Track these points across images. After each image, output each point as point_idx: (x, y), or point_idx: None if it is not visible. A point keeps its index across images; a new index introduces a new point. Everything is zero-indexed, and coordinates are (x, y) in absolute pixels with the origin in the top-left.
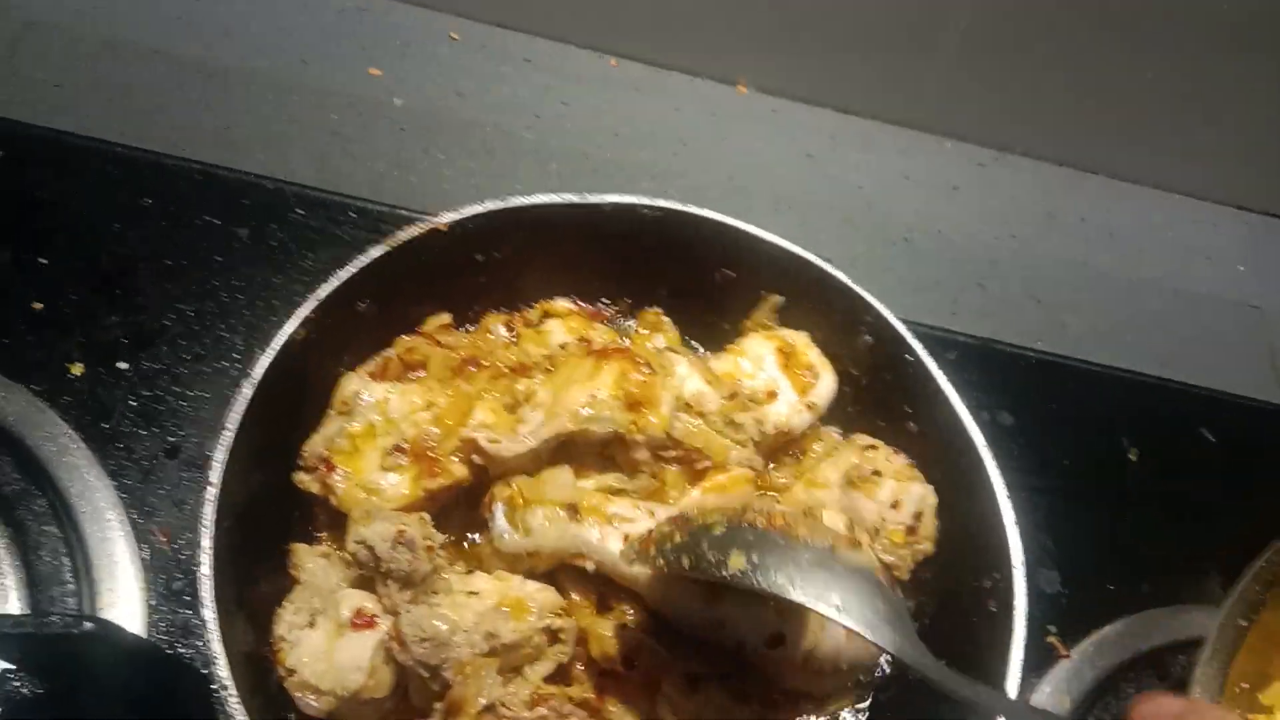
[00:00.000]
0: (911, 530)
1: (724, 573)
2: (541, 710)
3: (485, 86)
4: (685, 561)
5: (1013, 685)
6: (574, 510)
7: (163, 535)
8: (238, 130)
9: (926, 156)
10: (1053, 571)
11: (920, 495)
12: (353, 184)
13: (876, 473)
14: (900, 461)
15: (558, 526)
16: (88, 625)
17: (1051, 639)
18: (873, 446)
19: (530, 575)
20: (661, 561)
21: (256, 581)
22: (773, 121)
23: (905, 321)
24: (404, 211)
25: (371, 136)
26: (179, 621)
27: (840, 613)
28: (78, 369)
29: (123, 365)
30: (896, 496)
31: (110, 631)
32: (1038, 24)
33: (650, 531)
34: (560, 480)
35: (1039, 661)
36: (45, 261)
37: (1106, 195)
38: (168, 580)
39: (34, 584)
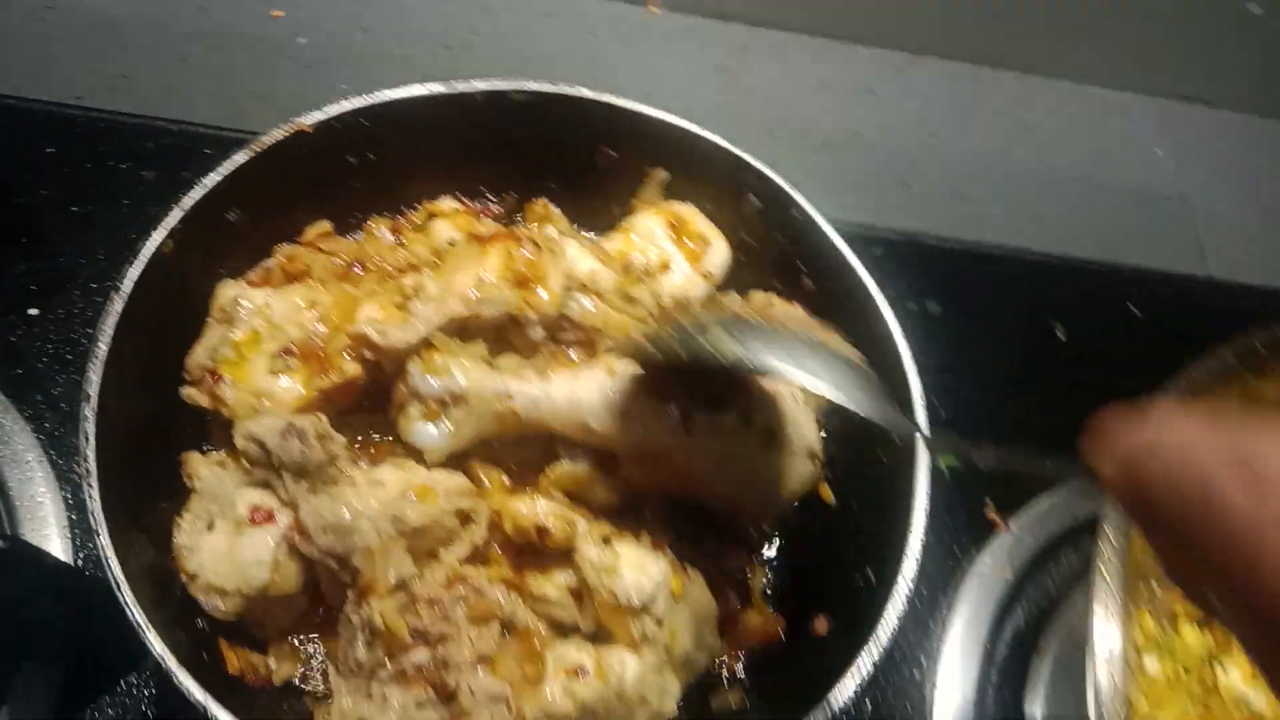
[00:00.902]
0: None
1: (723, 360)
2: (459, 589)
3: (391, 19)
4: (683, 351)
5: (920, 513)
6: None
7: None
8: (140, 78)
9: (841, 63)
10: (988, 449)
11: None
12: (259, 121)
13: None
14: (796, 311)
15: (479, 373)
16: (1, 544)
17: (991, 514)
18: (769, 303)
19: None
20: (659, 352)
21: (158, 499)
22: (685, 39)
23: (835, 223)
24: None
25: (276, 76)
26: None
27: (838, 391)
28: None
29: (33, 311)
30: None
31: (26, 549)
32: None
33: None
34: (472, 350)
35: (978, 535)
36: None
37: (1021, 90)
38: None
39: None
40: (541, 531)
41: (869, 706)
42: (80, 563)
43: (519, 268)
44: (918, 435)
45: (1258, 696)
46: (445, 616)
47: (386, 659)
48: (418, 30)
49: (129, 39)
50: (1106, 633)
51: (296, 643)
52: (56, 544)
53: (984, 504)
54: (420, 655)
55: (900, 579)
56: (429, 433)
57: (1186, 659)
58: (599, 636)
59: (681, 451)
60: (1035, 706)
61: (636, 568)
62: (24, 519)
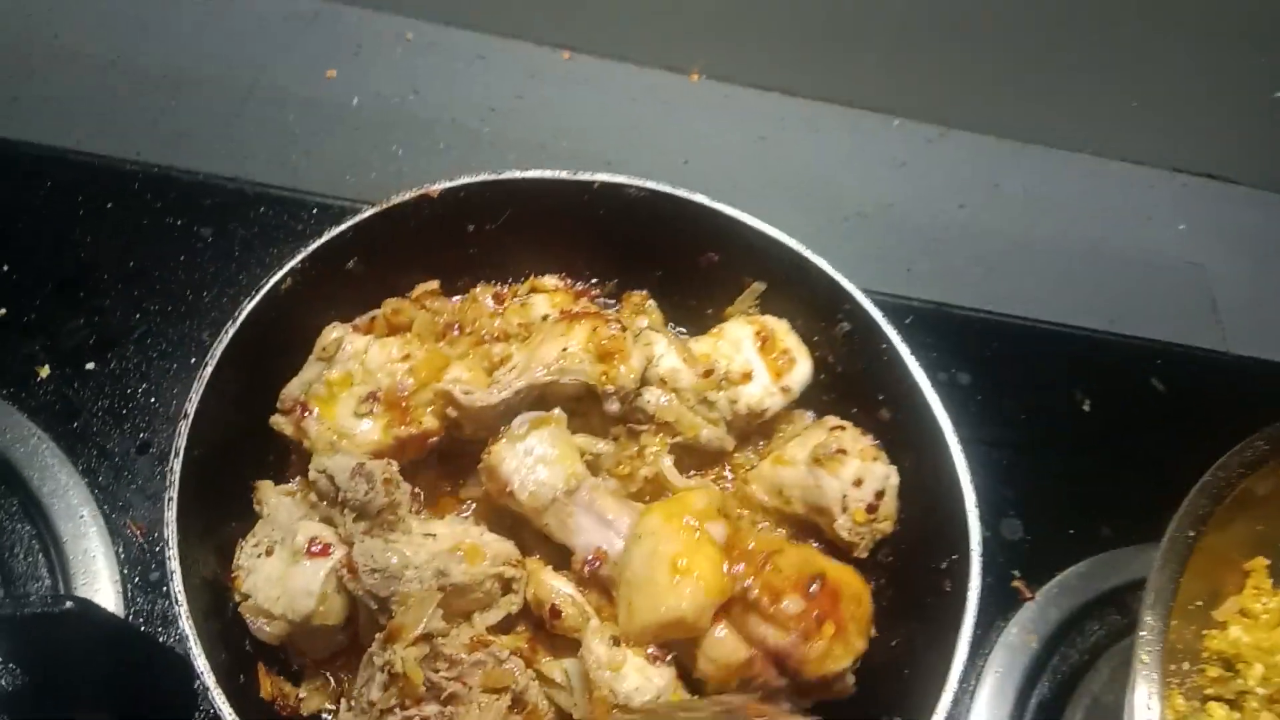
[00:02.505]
0: (872, 509)
1: None
2: (479, 655)
3: (440, 84)
4: None
5: (959, 660)
6: None
7: (137, 529)
8: (196, 135)
9: (874, 135)
10: (1015, 520)
11: (883, 474)
12: (312, 182)
13: (842, 451)
14: (866, 442)
15: None
16: (68, 604)
17: (1016, 583)
18: (840, 427)
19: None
20: None
21: (228, 519)
22: (724, 107)
23: (867, 292)
24: (365, 204)
25: (329, 136)
26: (156, 611)
27: None
28: (44, 371)
29: (90, 365)
30: (860, 475)
31: (89, 610)
32: (973, 2)
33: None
34: None
35: (1005, 605)
36: (6, 268)
37: (1047, 164)
38: (144, 572)
39: (9, 581)
40: (554, 611)
41: None
42: (131, 618)
43: (602, 342)
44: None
45: None
46: (460, 679)
47: (398, 705)
48: (464, 94)
49: (187, 96)
50: (1147, 715)
51: (330, 679)
52: (109, 598)
53: (1011, 575)
54: (429, 709)
55: None
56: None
57: None
58: None
59: None
60: None
61: (640, 671)
62: (76, 572)
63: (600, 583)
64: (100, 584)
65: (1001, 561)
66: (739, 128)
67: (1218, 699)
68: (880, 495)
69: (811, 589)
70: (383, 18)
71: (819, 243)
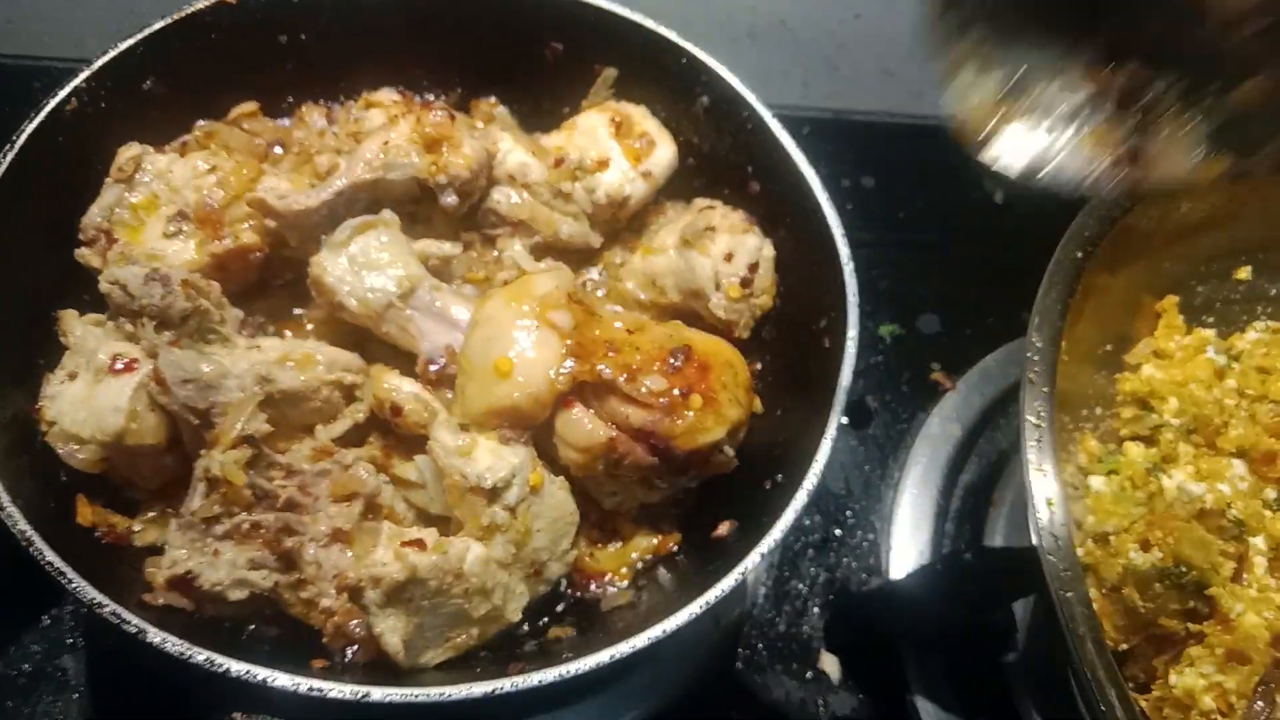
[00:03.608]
0: (746, 282)
1: None
2: (324, 463)
3: None
4: None
5: (836, 412)
6: None
7: None
8: None
9: None
10: (932, 315)
11: (755, 246)
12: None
13: (710, 228)
14: (736, 217)
15: None
16: None
17: (935, 375)
18: (710, 206)
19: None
20: None
21: (38, 359)
22: None
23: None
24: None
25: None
26: None
27: None
28: None
29: None
30: (730, 249)
31: None
32: None
33: None
34: None
35: (925, 399)
36: None
37: None
38: None
39: None
40: (396, 410)
41: (823, 574)
42: None
43: (428, 130)
44: None
45: (1198, 487)
46: (303, 488)
47: (224, 514)
48: None
49: None
50: (1042, 441)
51: (169, 511)
52: None
53: (929, 368)
54: (264, 516)
55: (809, 476)
56: None
57: (1131, 472)
58: (452, 527)
59: None
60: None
61: (492, 453)
62: None
63: (450, 382)
64: None
65: (920, 358)
66: None
67: (1134, 439)
68: (754, 268)
69: (675, 362)
70: None
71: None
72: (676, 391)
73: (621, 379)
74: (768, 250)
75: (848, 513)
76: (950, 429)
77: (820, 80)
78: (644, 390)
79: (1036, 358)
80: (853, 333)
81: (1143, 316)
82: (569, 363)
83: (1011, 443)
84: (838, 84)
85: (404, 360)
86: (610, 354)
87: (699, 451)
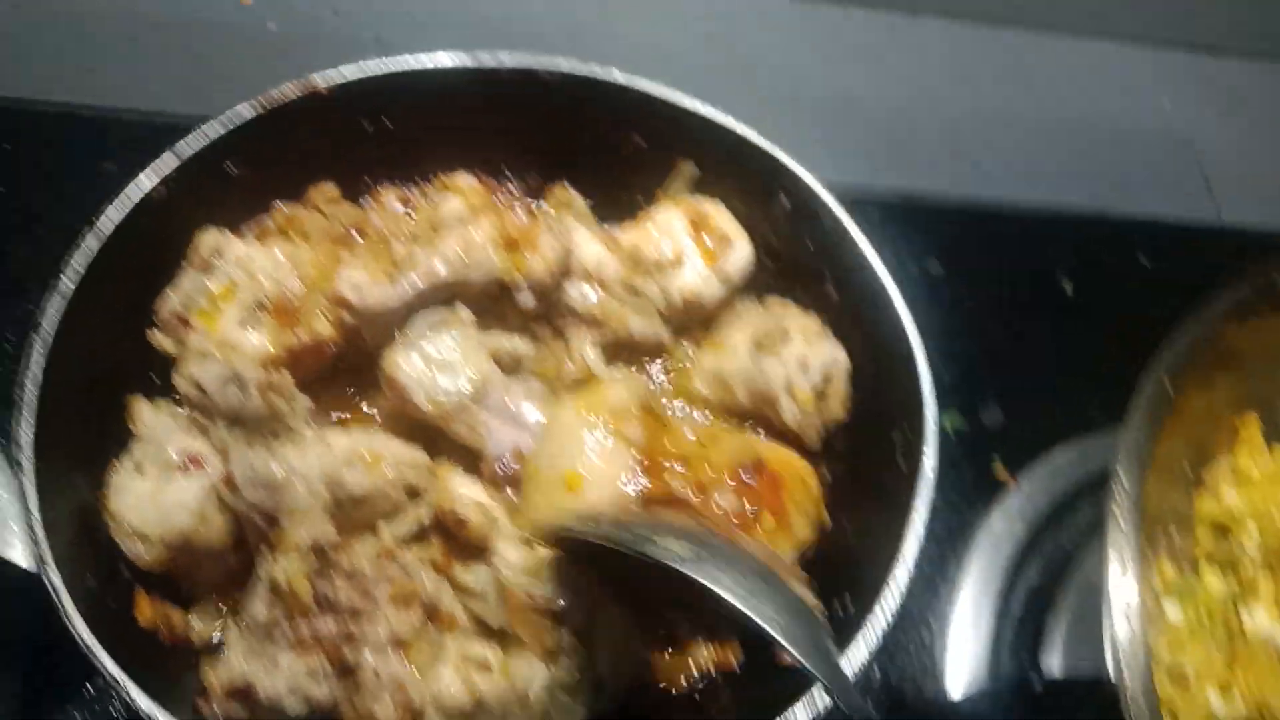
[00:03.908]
0: (821, 394)
1: (662, 556)
2: (387, 566)
3: (363, 3)
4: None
5: (915, 534)
6: None
7: None
8: (105, 70)
9: (831, 26)
10: (995, 408)
11: (829, 353)
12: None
13: (785, 332)
14: (810, 319)
15: None
16: None
17: (997, 469)
18: (783, 304)
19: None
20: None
21: (110, 445)
22: (673, 2)
23: (827, 185)
24: None
25: (246, 63)
26: None
27: (772, 624)
28: None
29: None
30: (805, 356)
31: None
32: None
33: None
34: None
35: (989, 495)
36: None
37: (1021, 46)
38: None
39: None
40: (460, 523)
41: (878, 674)
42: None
43: (509, 230)
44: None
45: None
46: (365, 592)
47: (285, 622)
48: (387, 11)
49: (94, 31)
50: (1123, 581)
51: (223, 606)
52: (18, 551)
53: (991, 461)
54: (325, 625)
55: (878, 609)
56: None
57: (1209, 604)
58: (511, 643)
59: None
60: (1052, 660)
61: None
62: None
63: (514, 482)
64: (9, 534)
65: (984, 450)
66: (689, 21)
67: (1211, 564)
68: (828, 378)
69: (746, 478)
70: None
71: (776, 140)
72: (748, 508)
73: (693, 496)
74: (842, 358)
75: (904, 609)
76: (1013, 526)
77: (887, 157)
78: (716, 508)
79: (1122, 492)
80: (931, 459)
81: (1222, 430)
82: (641, 478)
83: (1076, 544)
84: (905, 162)
85: (468, 454)
86: (681, 467)
87: None
